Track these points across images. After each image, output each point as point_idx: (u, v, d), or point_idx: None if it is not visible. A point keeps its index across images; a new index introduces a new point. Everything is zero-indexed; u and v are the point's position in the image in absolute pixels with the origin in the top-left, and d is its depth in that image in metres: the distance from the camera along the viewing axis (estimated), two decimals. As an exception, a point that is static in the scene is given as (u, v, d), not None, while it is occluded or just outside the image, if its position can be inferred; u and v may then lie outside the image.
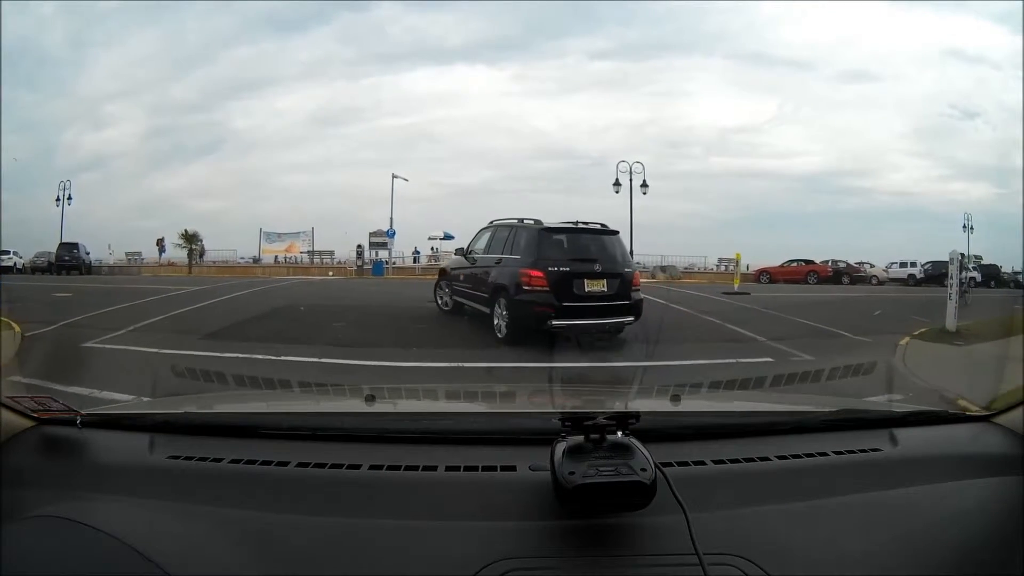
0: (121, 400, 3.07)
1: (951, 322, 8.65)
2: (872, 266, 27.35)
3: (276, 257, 30.56)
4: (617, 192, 26.18)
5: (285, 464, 1.12)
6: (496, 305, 7.51)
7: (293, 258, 30.63)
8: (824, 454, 1.21)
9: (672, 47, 52.14)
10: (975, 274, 24.12)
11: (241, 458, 1.14)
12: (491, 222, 8.84)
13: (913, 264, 26.13)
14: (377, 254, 27.58)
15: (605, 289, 7.32)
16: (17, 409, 1.22)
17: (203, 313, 9.70)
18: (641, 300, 7.76)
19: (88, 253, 24.97)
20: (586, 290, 7.24)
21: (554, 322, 7.03)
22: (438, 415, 1.56)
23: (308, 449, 1.16)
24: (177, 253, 28.21)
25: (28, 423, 1.23)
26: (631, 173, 26.14)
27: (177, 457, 1.16)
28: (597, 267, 7.38)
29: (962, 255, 11.03)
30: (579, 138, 51.53)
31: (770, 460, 1.18)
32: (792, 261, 25.33)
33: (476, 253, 8.73)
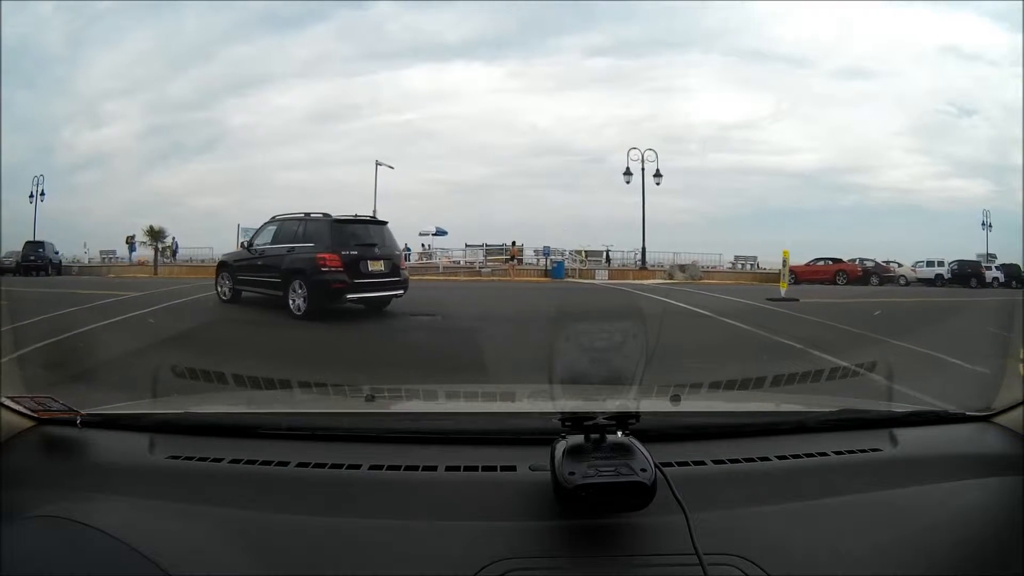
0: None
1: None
2: (900, 265, 26.10)
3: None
4: (628, 182, 24.80)
5: (285, 464, 1.12)
6: (292, 288, 8.77)
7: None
8: (824, 454, 1.21)
9: (670, 44, 51.94)
10: (998, 274, 23.13)
11: (241, 458, 1.14)
12: (274, 217, 10.08)
13: (940, 263, 24.60)
14: (366, 250, 25.90)
15: (383, 268, 9.14)
16: (17, 409, 1.22)
17: (94, 337, 6.89)
18: (408, 278, 9.86)
19: (57, 252, 22.89)
20: (369, 269, 8.96)
21: (349, 296, 8.78)
22: (438, 415, 1.56)
23: (308, 449, 1.17)
24: (149, 251, 24.73)
25: (28, 423, 1.23)
26: (643, 161, 24.77)
27: (177, 457, 1.16)
28: (377, 251, 9.15)
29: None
30: (576, 135, 51.61)
31: (770, 460, 1.18)
32: (819, 260, 23.74)
33: (261, 245, 9.89)
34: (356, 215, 9.76)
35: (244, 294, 9.99)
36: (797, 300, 12.61)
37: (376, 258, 9.07)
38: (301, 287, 8.69)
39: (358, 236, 9.21)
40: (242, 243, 10.60)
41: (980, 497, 1.15)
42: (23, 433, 1.21)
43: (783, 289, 13.64)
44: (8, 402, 1.22)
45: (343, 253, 8.75)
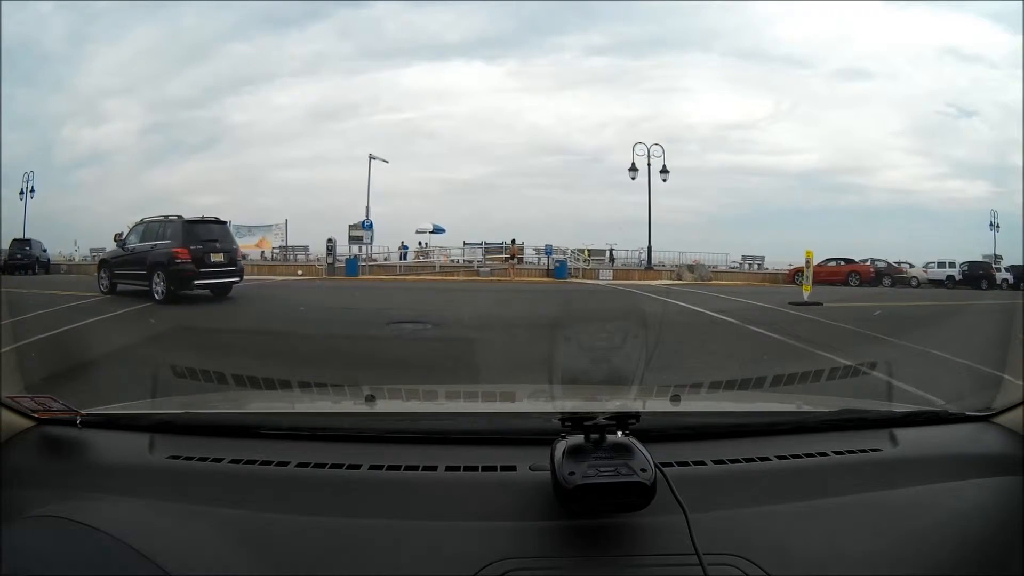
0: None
1: None
2: (911, 266, 25.47)
3: (263, 252, 26.63)
4: (634, 178, 23.88)
5: (285, 464, 1.12)
6: (154, 278, 10.61)
7: (276, 255, 27.05)
8: (824, 454, 1.21)
9: (669, 44, 51.75)
10: (1007, 275, 22.67)
11: (241, 458, 1.14)
12: (141, 220, 11.99)
13: (952, 264, 23.96)
14: (361, 249, 23.70)
15: (223, 260, 11.22)
16: (17, 409, 1.22)
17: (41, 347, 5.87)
18: (243, 268, 12.35)
19: (45, 250, 22.68)
20: (212, 261, 10.98)
21: (196, 282, 10.77)
22: (438, 415, 1.56)
23: (308, 449, 1.17)
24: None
25: (28, 423, 1.23)
26: (649, 157, 23.84)
27: (177, 457, 1.16)
28: (218, 245, 11.23)
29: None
30: (576, 134, 51.24)
31: (770, 460, 1.18)
32: (830, 260, 22.67)
33: (131, 243, 11.69)
34: (203, 217, 11.74)
35: (119, 287, 11.56)
36: (821, 304, 11.52)
37: (218, 251, 11.15)
38: (160, 277, 10.57)
39: (204, 233, 11.22)
40: (115, 240, 12.31)
41: (980, 497, 1.15)
42: (23, 433, 1.21)
43: (806, 292, 12.48)
44: (8, 402, 1.22)
45: (192, 247, 10.72)
